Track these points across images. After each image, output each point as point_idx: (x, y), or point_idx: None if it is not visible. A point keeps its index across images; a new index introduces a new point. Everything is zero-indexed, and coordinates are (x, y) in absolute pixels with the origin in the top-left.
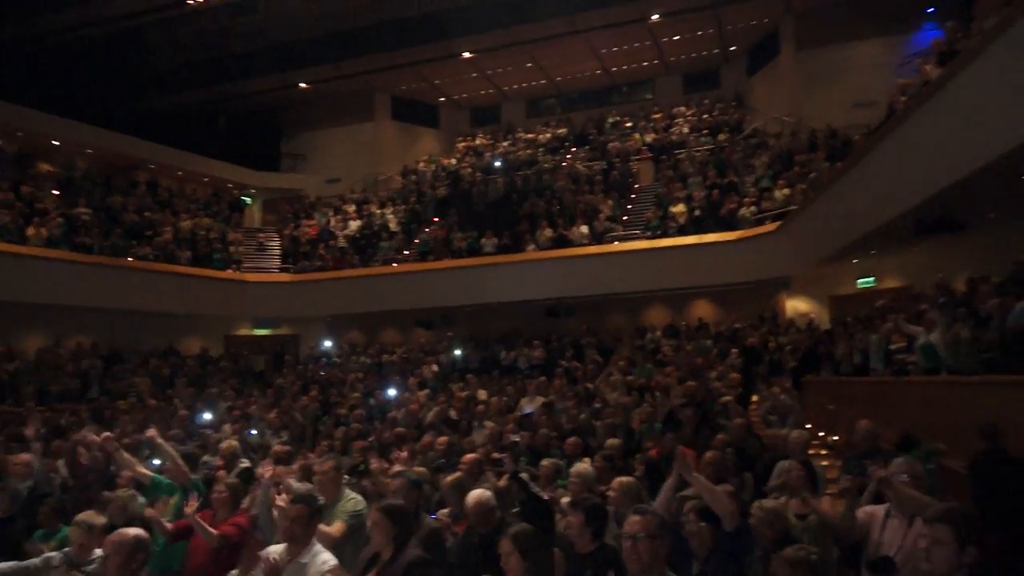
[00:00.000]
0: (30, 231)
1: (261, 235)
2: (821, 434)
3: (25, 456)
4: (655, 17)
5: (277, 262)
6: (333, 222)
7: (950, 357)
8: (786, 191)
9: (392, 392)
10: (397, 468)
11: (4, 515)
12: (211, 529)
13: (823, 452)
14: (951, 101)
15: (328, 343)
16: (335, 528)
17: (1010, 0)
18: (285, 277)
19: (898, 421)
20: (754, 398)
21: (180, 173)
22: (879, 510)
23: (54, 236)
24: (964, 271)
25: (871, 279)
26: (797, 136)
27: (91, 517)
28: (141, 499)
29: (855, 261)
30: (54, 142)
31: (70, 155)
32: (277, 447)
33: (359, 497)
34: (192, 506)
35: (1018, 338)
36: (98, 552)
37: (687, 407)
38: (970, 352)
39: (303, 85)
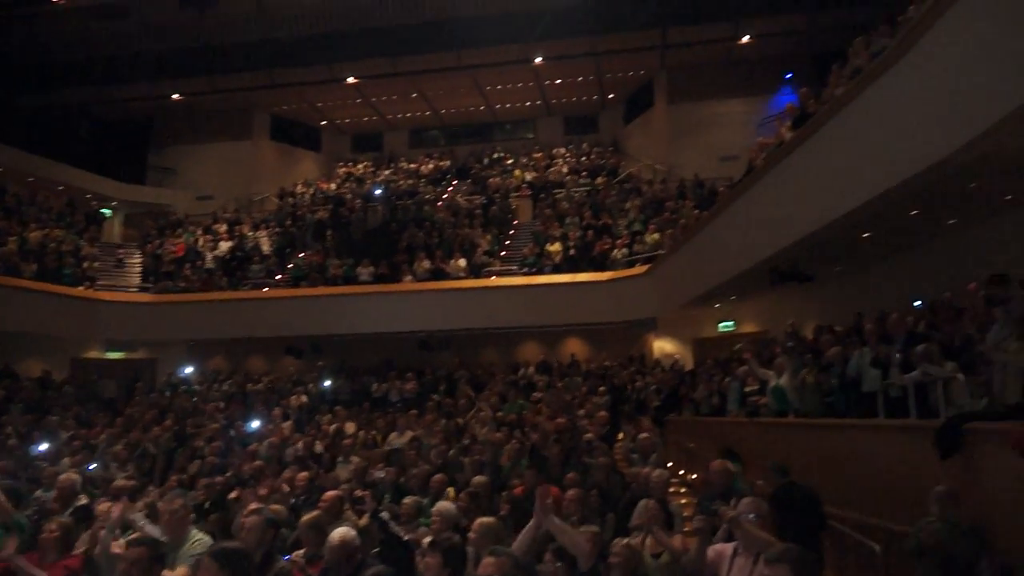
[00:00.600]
0: None
1: (121, 251)
2: (681, 472)
3: None
4: (539, 60)
5: (137, 281)
6: (202, 241)
7: (797, 400)
8: (656, 236)
9: (255, 423)
10: (254, 505)
11: None
12: (39, 572)
13: (683, 490)
14: (802, 162)
15: (189, 369)
16: (178, 574)
17: (855, 73)
18: (145, 297)
19: (751, 460)
20: (620, 436)
21: (31, 179)
22: (727, 548)
23: None
24: (813, 319)
25: (731, 323)
26: (668, 184)
27: None
28: None
29: (717, 306)
30: None
31: None
32: (119, 482)
33: (206, 538)
34: (11, 547)
35: (855, 384)
36: None
37: (554, 444)
38: (814, 396)
39: (176, 96)
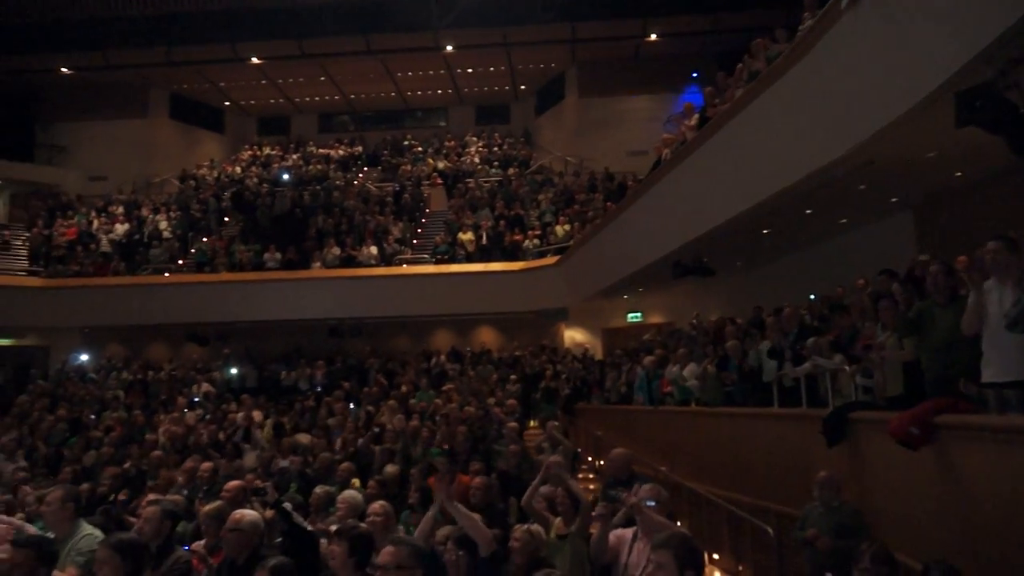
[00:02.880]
0: None
1: (6, 232)
2: (590, 459)
3: None
4: (449, 48)
5: (25, 264)
6: (96, 224)
7: (699, 390)
8: (567, 227)
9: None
10: (151, 496)
11: None
12: None
13: (591, 476)
14: (705, 159)
15: (84, 357)
16: (68, 574)
17: (753, 75)
18: (35, 281)
19: (654, 447)
20: (531, 423)
21: None
22: (627, 533)
23: None
24: (715, 312)
25: (639, 314)
26: (579, 176)
27: None
28: None
29: (625, 297)
30: None
31: None
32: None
33: (96, 532)
34: None
35: (755, 375)
36: None
37: (462, 432)
38: (716, 385)
39: (65, 70)
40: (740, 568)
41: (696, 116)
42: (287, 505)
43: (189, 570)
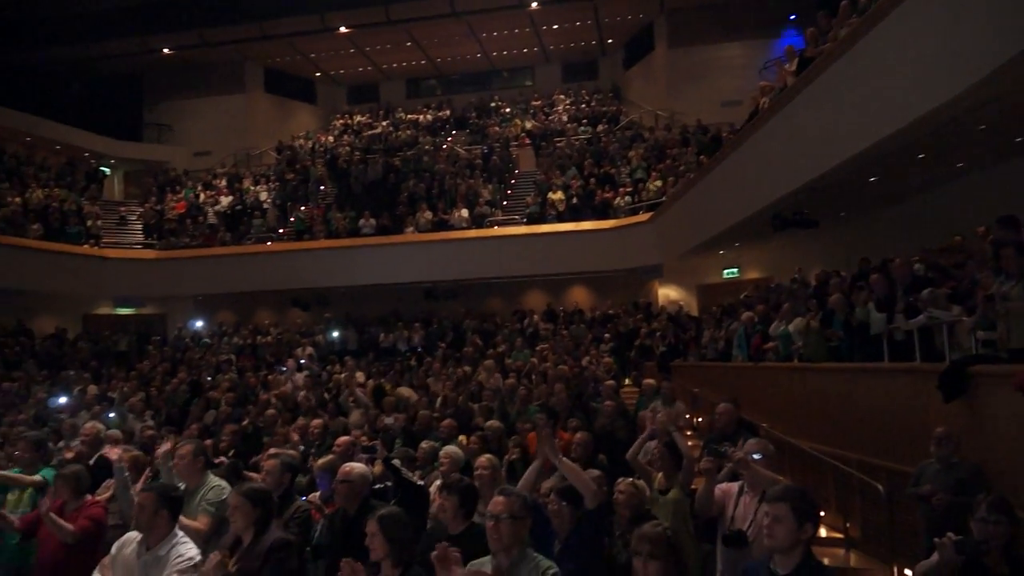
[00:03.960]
0: None
1: (122, 208)
2: (687, 416)
3: None
4: (534, 5)
5: (140, 238)
6: (202, 197)
7: (802, 345)
8: (659, 183)
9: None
10: (271, 451)
11: None
12: (66, 525)
13: (688, 433)
14: (806, 105)
15: (199, 323)
16: (200, 522)
17: (862, 10)
18: (150, 254)
19: (754, 403)
20: (626, 381)
21: (28, 139)
22: (733, 487)
23: None
24: (817, 265)
25: (736, 270)
26: (670, 130)
27: None
28: None
29: (721, 253)
30: None
31: None
32: (148, 432)
33: (223, 483)
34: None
35: (861, 329)
36: None
37: (560, 390)
38: (819, 341)
39: (167, 51)
40: (848, 526)
41: (796, 60)
42: (396, 461)
43: (308, 518)
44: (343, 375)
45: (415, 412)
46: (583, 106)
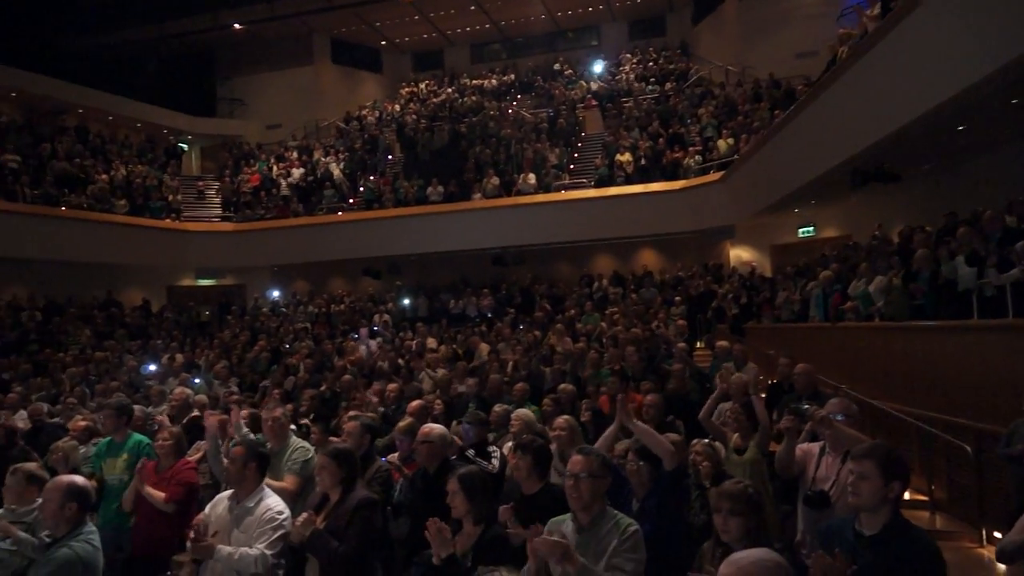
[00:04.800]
0: None
1: (200, 183)
2: (761, 378)
3: None
4: None
5: (218, 211)
6: (275, 170)
7: (883, 304)
8: (730, 141)
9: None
10: (351, 413)
11: None
12: (159, 495)
13: (762, 395)
14: (890, 51)
15: (275, 293)
16: (287, 482)
17: None
18: (227, 226)
19: (833, 364)
20: (698, 344)
21: (111, 118)
22: (814, 447)
23: None
24: (898, 221)
25: (811, 228)
26: (741, 86)
27: (30, 467)
28: (83, 450)
29: (796, 211)
30: None
31: None
32: (231, 397)
33: (306, 445)
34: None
35: (948, 286)
36: (39, 501)
37: (632, 353)
38: (902, 299)
39: (237, 26)
40: (933, 488)
41: (878, 4)
42: (470, 452)
43: (389, 478)
44: (414, 341)
45: (486, 377)
46: (650, 64)
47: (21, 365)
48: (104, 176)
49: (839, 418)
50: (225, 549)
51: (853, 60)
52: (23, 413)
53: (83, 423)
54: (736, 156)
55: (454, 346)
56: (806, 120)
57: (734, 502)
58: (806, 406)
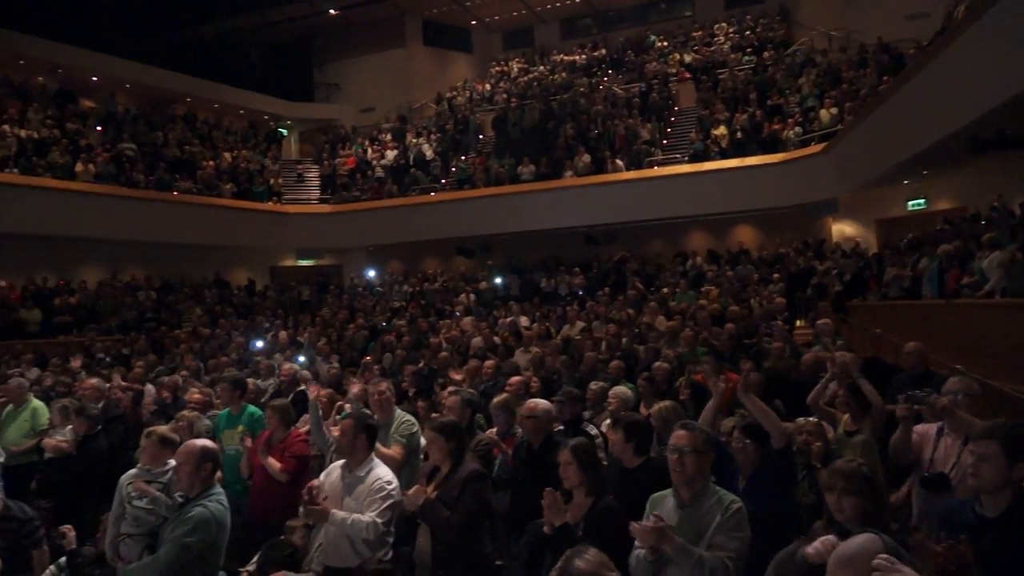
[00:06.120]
0: (78, 167)
1: (299, 166)
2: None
3: (93, 381)
4: None
5: (316, 193)
6: (370, 152)
7: (1005, 279)
8: (833, 111)
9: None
10: (451, 388)
11: (86, 433)
12: (277, 465)
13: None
14: (1012, 8)
15: (371, 272)
16: (394, 451)
17: None
18: (325, 208)
19: (947, 343)
20: (798, 323)
21: (216, 106)
22: (931, 428)
23: (101, 172)
24: (1020, 192)
25: (922, 201)
26: (845, 52)
27: (163, 430)
28: (206, 421)
29: (906, 182)
30: (93, 78)
31: (109, 91)
32: (332, 371)
33: (411, 418)
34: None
35: None
36: (171, 463)
37: (727, 331)
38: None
39: (332, 12)
40: None
41: None
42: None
43: (490, 451)
44: (508, 319)
45: (581, 355)
46: (747, 33)
47: (140, 341)
48: (211, 162)
49: (959, 396)
50: (339, 513)
51: (971, 21)
52: (150, 388)
53: (198, 396)
54: (840, 126)
55: (547, 324)
56: (919, 84)
57: (847, 481)
58: (923, 391)
